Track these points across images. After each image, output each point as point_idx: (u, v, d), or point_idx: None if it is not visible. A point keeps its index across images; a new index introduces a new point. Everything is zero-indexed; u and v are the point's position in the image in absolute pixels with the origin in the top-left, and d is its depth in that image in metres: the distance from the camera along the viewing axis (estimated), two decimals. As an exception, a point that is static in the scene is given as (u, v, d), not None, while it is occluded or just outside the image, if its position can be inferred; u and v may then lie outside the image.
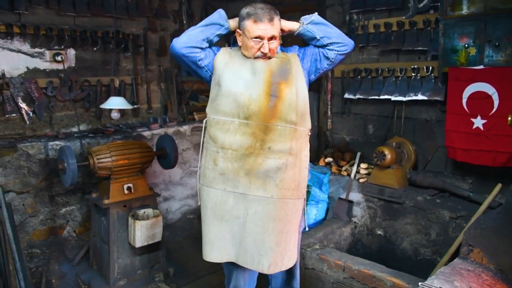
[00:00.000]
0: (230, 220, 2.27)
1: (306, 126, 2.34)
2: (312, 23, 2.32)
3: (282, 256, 2.31)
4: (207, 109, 2.35)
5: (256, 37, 2.17)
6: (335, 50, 2.31)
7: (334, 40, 2.31)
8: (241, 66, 2.25)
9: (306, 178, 2.41)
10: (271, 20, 2.17)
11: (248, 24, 2.18)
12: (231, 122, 2.22)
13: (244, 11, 2.22)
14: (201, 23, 2.29)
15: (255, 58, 2.23)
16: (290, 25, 2.33)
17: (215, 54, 2.31)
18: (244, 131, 2.21)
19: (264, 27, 2.16)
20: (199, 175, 2.41)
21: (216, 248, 2.32)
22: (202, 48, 2.26)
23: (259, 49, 2.19)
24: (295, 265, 2.52)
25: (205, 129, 2.39)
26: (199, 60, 2.28)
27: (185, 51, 2.23)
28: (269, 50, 2.20)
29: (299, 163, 2.33)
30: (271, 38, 2.19)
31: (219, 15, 2.29)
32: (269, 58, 2.24)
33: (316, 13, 2.37)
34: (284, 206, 2.27)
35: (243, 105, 2.20)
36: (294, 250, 2.42)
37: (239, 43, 2.30)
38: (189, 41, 2.23)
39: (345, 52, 2.33)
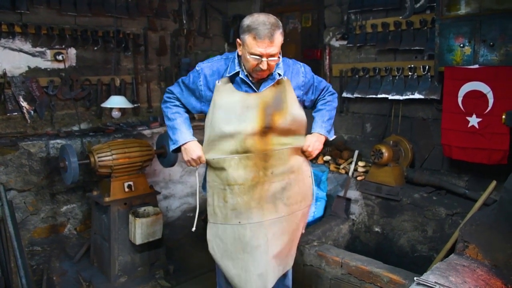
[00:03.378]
0: (251, 252, 2.31)
1: (301, 142, 2.41)
2: (330, 132, 2.56)
3: (292, 257, 2.51)
4: (203, 149, 2.35)
5: (255, 55, 2.08)
6: None
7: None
8: (232, 100, 2.21)
9: (311, 185, 2.52)
10: (271, 37, 2.06)
11: (248, 39, 2.08)
12: (231, 159, 2.25)
13: (245, 22, 2.10)
14: (170, 125, 2.46)
15: (253, 71, 2.17)
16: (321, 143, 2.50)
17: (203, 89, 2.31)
18: (245, 164, 2.25)
19: (264, 46, 2.06)
20: (209, 213, 2.41)
21: (244, 281, 2.33)
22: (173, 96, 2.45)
23: (257, 64, 2.11)
24: None
25: (206, 169, 2.42)
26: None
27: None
28: (268, 66, 2.13)
29: (302, 176, 2.43)
30: (271, 55, 2.10)
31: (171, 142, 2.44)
32: (268, 71, 2.18)
33: (331, 135, 2.57)
34: (294, 219, 2.41)
35: (239, 140, 2.22)
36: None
37: (239, 53, 2.21)
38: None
39: None
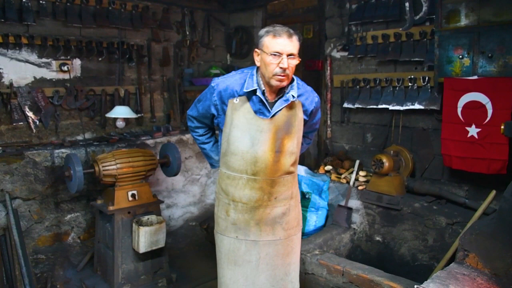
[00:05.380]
0: (243, 265, 2.41)
1: (297, 167, 2.50)
2: None
3: (293, 283, 2.52)
4: (220, 162, 2.47)
5: (274, 52, 2.14)
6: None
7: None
8: (247, 121, 2.28)
9: (301, 210, 2.61)
10: (290, 36, 2.16)
11: (267, 39, 2.17)
12: (240, 178, 2.34)
13: (263, 30, 2.23)
14: (202, 152, 2.72)
15: (273, 76, 2.19)
16: None
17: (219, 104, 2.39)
18: (252, 186, 2.32)
19: (283, 42, 2.14)
20: (215, 221, 2.54)
21: None
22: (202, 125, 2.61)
23: (277, 64, 2.15)
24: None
25: (217, 179, 2.53)
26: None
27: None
28: (288, 66, 2.16)
29: (297, 202, 2.53)
30: (290, 55, 2.16)
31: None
32: (287, 77, 2.20)
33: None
34: (290, 243, 2.48)
35: (250, 162, 2.30)
36: (298, 273, 2.61)
37: (257, 63, 2.28)
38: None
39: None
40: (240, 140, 2.29)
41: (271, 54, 2.15)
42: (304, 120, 2.43)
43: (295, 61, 2.21)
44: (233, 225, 2.39)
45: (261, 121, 2.27)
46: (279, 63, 2.15)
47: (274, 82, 2.22)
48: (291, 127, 2.32)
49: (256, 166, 2.29)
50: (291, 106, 2.31)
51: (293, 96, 2.29)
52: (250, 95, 2.28)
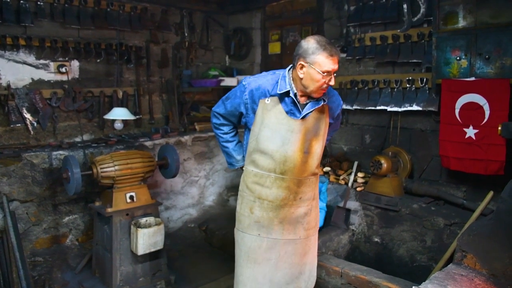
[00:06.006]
0: (262, 263, 2.44)
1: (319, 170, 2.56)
2: None
3: (306, 282, 2.57)
4: (246, 160, 2.49)
5: (327, 72, 2.18)
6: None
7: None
8: (278, 121, 2.32)
9: (319, 212, 2.67)
10: (337, 53, 2.22)
11: (321, 58, 2.17)
12: (268, 176, 2.38)
13: (312, 45, 2.20)
14: (223, 150, 2.69)
15: (318, 90, 2.24)
16: None
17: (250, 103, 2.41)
18: (279, 184, 2.37)
19: (335, 62, 2.20)
20: (236, 218, 2.56)
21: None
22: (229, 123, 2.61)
23: (325, 82, 2.21)
24: None
25: (243, 176, 2.54)
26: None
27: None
28: None
29: (317, 203, 2.59)
30: (335, 71, 2.25)
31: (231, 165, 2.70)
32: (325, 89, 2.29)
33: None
34: (308, 243, 2.53)
35: (279, 161, 2.34)
36: (315, 273, 2.67)
37: (300, 75, 2.25)
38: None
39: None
40: (270, 140, 2.33)
41: (323, 72, 2.19)
42: (330, 123, 2.49)
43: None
44: (256, 223, 2.42)
45: (292, 122, 2.32)
46: (328, 80, 2.21)
47: (316, 95, 2.28)
48: (319, 130, 2.39)
49: (285, 165, 2.33)
50: (320, 110, 2.37)
51: (323, 100, 2.34)
52: (282, 96, 2.33)
